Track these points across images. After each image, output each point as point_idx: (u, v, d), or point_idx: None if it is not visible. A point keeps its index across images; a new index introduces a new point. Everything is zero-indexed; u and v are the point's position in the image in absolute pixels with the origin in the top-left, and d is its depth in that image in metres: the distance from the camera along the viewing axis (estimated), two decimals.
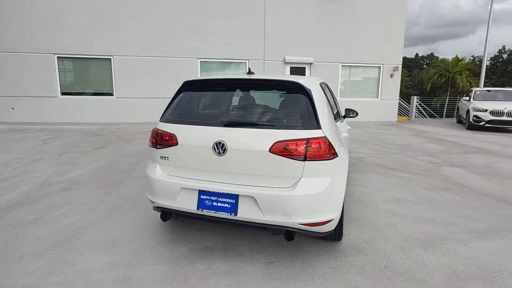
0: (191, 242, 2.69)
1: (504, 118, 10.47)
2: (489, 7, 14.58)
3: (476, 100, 11.65)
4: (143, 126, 10.49)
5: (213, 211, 2.27)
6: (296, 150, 2.15)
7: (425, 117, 15.79)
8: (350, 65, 13.10)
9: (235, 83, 2.62)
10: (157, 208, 2.58)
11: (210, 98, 2.63)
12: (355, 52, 12.82)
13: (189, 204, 2.35)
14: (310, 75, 12.59)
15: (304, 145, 2.15)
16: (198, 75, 11.90)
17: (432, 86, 21.79)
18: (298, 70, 12.72)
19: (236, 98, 2.64)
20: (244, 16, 11.91)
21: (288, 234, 2.21)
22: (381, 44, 12.90)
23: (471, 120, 11.18)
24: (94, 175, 4.68)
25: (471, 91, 12.79)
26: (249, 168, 2.23)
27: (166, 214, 2.52)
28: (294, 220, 2.14)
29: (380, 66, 13.22)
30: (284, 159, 2.16)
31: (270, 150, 2.17)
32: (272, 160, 2.18)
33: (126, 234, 2.85)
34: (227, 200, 2.25)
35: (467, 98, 12.46)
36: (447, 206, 3.60)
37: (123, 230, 2.92)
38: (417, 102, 15.35)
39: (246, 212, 2.20)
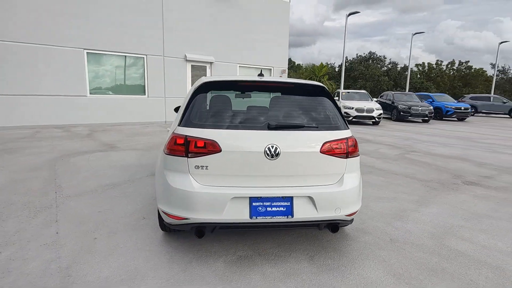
0: (220, 256, 2.50)
1: (364, 114, 13.47)
2: (344, 23, 18.28)
3: (344, 100, 14.51)
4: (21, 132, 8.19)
5: (269, 217, 2.22)
6: (341, 148, 2.36)
7: None
8: (247, 66, 13.88)
9: (262, 85, 2.57)
10: (184, 226, 2.29)
11: (238, 101, 2.50)
12: (250, 54, 13.69)
13: (239, 214, 2.21)
14: (211, 75, 12.68)
15: (345, 144, 2.38)
16: (86, 69, 10.16)
17: None
18: (199, 69, 12.58)
19: (262, 100, 2.60)
20: (141, 7, 10.85)
21: (335, 227, 2.40)
22: (271, 48, 14.25)
23: None
24: None
25: (338, 92, 15.81)
26: (302, 169, 2.29)
27: (203, 229, 2.27)
28: (343, 213, 2.36)
29: (271, 69, 14.57)
30: (332, 158, 2.34)
31: (320, 151, 2.31)
32: (323, 160, 2.32)
33: (141, 266, 2.37)
34: (282, 203, 2.25)
35: (337, 98, 15.31)
36: (383, 186, 4.55)
37: (132, 262, 2.41)
38: None
39: (302, 213, 2.27)
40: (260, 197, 2.22)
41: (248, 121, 2.34)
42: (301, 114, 2.44)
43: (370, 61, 36.02)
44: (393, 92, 17.14)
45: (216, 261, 2.42)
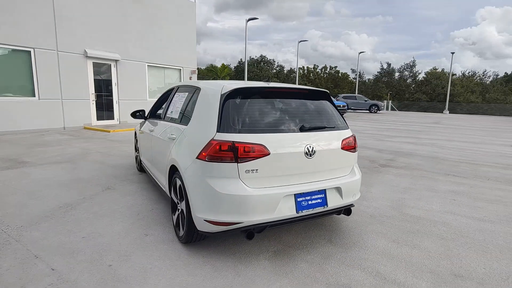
0: (257, 254, 2.60)
1: None
2: (245, 27, 19.33)
3: None
4: None
5: (311, 209, 2.48)
6: (351, 144, 2.82)
7: None
8: (157, 66, 13.13)
9: (283, 91, 2.75)
10: (233, 231, 2.33)
11: (267, 105, 2.61)
12: (159, 53, 13.01)
13: (288, 211, 2.38)
14: (117, 74, 11.51)
15: (353, 140, 2.85)
16: None
17: None
18: (102, 67, 11.20)
19: (285, 104, 2.75)
20: None
21: (349, 210, 2.84)
22: (180, 48, 13.89)
23: None
24: None
25: None
26: (330, 164, 2.63)
27: (253, 231, 2.34)
28: (356, 198, 2.83)
29: (180, 69, 14.20)
30: (347, 153, 2.77)
31: (341, 147, 2.70)
32: (342, 155, 2.72)
33: (192, 281, 2.24)
34: (319, 196, 2.54)
35: None
36: None
37: (179, 279, 2.25)
38: None
39: (332, 201, 2.62)
40: (303, 192, 2.46)
41: (284, 125, 2.52)
42: (319, 116, 2.78)
43: (262, 64, 39.23)
44: None
45: (259, 260, 2.52)
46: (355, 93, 33.39)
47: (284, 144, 2.41)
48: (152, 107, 4.54)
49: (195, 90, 3.00)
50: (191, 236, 2.57)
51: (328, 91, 2.99)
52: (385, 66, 42.80)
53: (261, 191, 2.31)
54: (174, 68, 13.97)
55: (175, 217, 2.88)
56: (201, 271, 2.34)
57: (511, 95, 36.95)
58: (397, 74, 42.20)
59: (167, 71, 13.79)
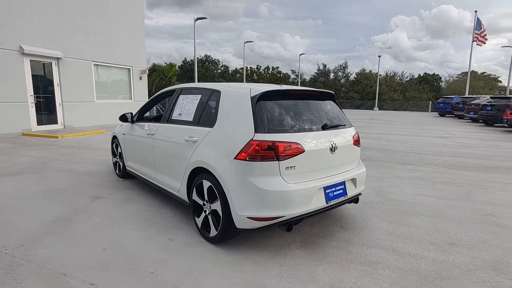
0: (287, 246, 2.79)
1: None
2: (193, 24, 18.95)
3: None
4: None
5: (336, 199, 2.76)
6: (358, 140, 3.18)
7: None
8: (103, 65, 12.21)
9: (302, 93, 2.96)
10: (274, 225, 2.49)
11: (292, 107, 2.79)
12: (107, 52, 12.14)
13: (320, 202, 2.63)
14: (59, 74, 10.46)
15: (358, 136, 3.22)
16: None
17: (156, 88, 24.35)
18: (41, 66, 10.03)
19: (303, 105, 2.95)
20: None
21: (358, 199, 3.20)
22: (129, 46, 13.14)
23: None
24: None
25: None
26: (346, 158, 2.94)
27: (291, 223, 2.53)
28: (363, 187, 3.21)
29: (129, 68, 13.43)
30: (356, 147, 3.12)
31: (353, 143, 3.04)
32: (354, 149, 3.06)
33: (249, 278, 2.32)
34: (340, 187, 2.83)
35: None
36: None
37: (228, 282, 2.31)
38: None
39: (350, 191, 2.94)
40: (330, 185, 2.72)
41: (310, 124, 2.75)
42: (333, 115, 3.07)
43: (207, 63, 38.70)
44: None
45: (292, 250, 2.72)
46: None
47: (314, 141, 2.65)
48: (140, 110, 4.36)
49: (212, 93, 3.05)
50: (226, 235, 2.65)
51: (333, 93, 3.30)
52: (321, 67, 46.00)
53: (299, 185, 2.51)
54: (123, 68, 13.15)
55: (200, 219, 2.91)
56: (246, 267, 2.45)
57: (424, 93, 42.78)
58: (332, 74, 45.67)
59: (116, 71, 12.91)
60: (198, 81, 36.28)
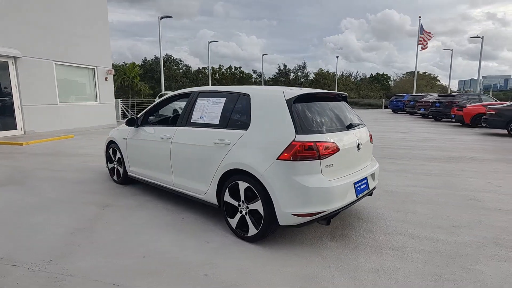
0: (321, 239, 2.97)
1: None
2: (158, 23, 18.33)
3: (177, 101, 14.98)
4: None
5: (362, 193, 3.00)
6: (371, 138, 3.47)
7: None
8: (66, 65, 11.38)
9: (325, 96, 3.14)
10: (315, 220, 2.66)
11: (321, 108, 2.97)
12: (69, 51, 11.35)
13: (352, 196, 2.85)
14: (17, 74, 9.59)
15: (371, 134, 3.52)
16: None
17: (118, 89, 22.81)
18: None
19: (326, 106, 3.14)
20: None
21: (372, 193, 3.49)
22: (93, 45, 12.41)
23: None
24: None
25: (167, 94, 16.01)
26: (366, 155, 3.21)
27: (330, 217, 2.72)
28: (377, 181, 3.51)
29: (94, 68, 12.67)
30: (371, 144, 3.41)
31: (370, 140, 3.32)
32: (370, 146, 3.34)
33: (312, 272, 2.44)
34: (364, 181, 3.08)
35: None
36: None
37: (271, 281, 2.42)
38: (121, 104, 16.21)
39: (371, 185, 3.21)
40: (358, 180, 2.96)
41: (338, 124, 2.96)
42: (351, 115, 3.32)
43: (169, 63, 37.41)
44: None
45: (326, 242, 2.91)
46: None
47: (345, 140, 2.87)
48: (145, 114, 4.25)
49: (239, 97, 3.12)
50: (267, 233, 2.76)
51: (347, 94, 3.56)
52: (281, 67, 47.14)
53: (338, 182, 2.71)
54: (87, 68, 12.36)
55: (234, 220, 2.97)
56: (291, 262, 2.59)
57: (376, 92, 45.97)
58: (292, 74, 47.04)
59: (79, 71, 12.10)
60: (159, 82, 35.15)
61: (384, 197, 4.24)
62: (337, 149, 2.74)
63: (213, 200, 3.17)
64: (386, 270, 2.46)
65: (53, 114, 10.82)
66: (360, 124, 3.32)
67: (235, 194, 2.95)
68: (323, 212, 2.62)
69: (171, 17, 18.32)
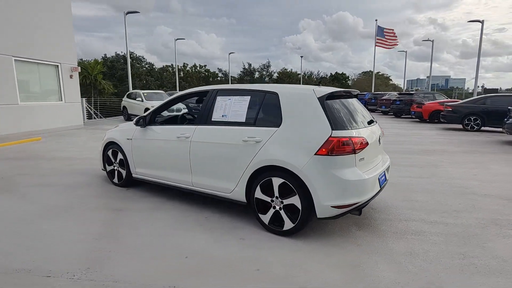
0: (347, 227, 3.15)
1: (174, 113, 14.27)
2: (124, 19, 17.40)
3: (149, 101, 14.46)
4: None
5: (382, 184, 3.23)
6: (383, 132, 3.73)
7: (100, 117, 16.06)
8: (27, 61, 10.43)
9: (347, 94, 3.31)
10: (349, 211, 2.83)
11: (345, 105, 3.12)
12: (30, 46, 10.41)
13: (377, 188, 3.05)
14: None
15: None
16: None
17: (81, 87, 21.11)
18: None
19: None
20: None
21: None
22: (56, 40, 11.51)
23: None
24: None
25: (136, 93, 15.36)
26: (382, 149, 3.44)
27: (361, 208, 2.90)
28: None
29: (58, 65, 11.77)
30: (382, 139, 3.67)
31: (382, 134, 3.56)
32: (382, 141, 3.59)
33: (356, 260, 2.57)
34: (383, 174, 3.31)
35: (137, 98, 14.81)
36: None
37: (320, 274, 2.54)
38: (86, 103, 15.19)
39: (387, 176, 3.45)
40: (380, 172, 3.17)
41: (362, 120, 3.15)
42: (366, 112, 3.53)
43: (131, 60, 35.32)
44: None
45: (354, 233, 3.09)
46: None
47: (370, 135, 3.07)
48: (153, 113, 4.11)
49: (265, 95, 3.18)
50: (303, 226, 2.87)
51: (358, 91, 3.77)
52: (246, 66, 47.37)
53: (368, 174, 2.89)
54: (50, 64, 11.43)
55: (267, 216, 3.03)
56: (331, 251, 2.72)
57: None
58: (257, 73, 47.46)
59: (42, 68, 11.15)
60: (123, 81, 33.40)
61: (387, 188, 4.55)
62: (367, 144, 2.93)
63: (241, 197, 3.20)
64: (418, 253, 2.70)
65: (14, 115, 9.86)
66: (375, 120, 3.55)
67: (267, 190, 3.01)
68: (357, 203, 2.79)
69: (138, 12, 17.50)
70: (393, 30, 30.57)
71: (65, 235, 3.01)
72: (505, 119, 9.12)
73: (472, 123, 11.73)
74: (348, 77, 55.69)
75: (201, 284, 2.24)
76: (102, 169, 4.82)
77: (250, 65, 47.25)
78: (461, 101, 13.22)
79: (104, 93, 22.89)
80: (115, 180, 4.56)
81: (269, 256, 2.64)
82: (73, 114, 12.42)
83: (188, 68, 43.95)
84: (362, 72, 61.32)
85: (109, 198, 4.05)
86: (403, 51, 33.53)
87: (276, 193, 2.95)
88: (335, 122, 2.81)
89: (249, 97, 3.30)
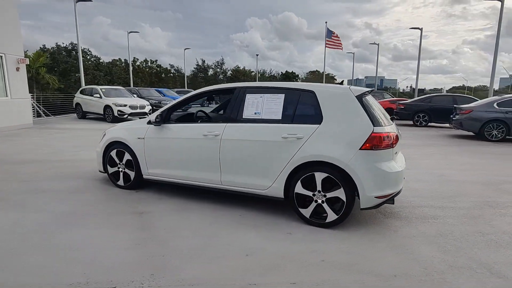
0: (381, 218, 3.41)
1: (138, 110, 13.49)
2: (74, 7, 15.78)
3: (108, 97, 13.42)
4: None
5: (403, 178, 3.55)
6: None
7: (49, 115, 14.34)
8: None
9: (368, 92, 3.54)
10: (386, 201, 3.09)
11: (372, 103, 3.35)
12: None
13: (404, 179, 3.37)
14: None
15: None
16: None
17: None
18: None
19: None
20: None
21: None
22: None
23: (116, 114, 12.89)
24: None
25: (93, 89, 14.13)
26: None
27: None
28: None
29: (1, 56, 10.35)
30: None
31: None
32: None
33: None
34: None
35: (95, 95, 13.64)
36: None
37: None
38: (33, 100, 13.50)
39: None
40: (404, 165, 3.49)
41: (387, 117, 3.42)
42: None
43: (75, 53, 31.91)
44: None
45: (383, 220, 3.36)
46: (185, 88, 34.50)
47: (396, 131, 3.36)
48: (169, 111, 3.91)
49: (301, 93, 3.27)
50: (345, 217, 3.06)
51: (374, 89, 4.06)
52: (200, 62, 46.41)
53: (401, 167, 3.18)
54: None
55: (309, 210, 3.14)
56: (378, 238, 2.95)
57: None
58: (211, 70, 46.81)
59: None
60: (68, 75, 30.29)
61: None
62: (398, 139, 3.21)
63: (279, 193, 3.27)
64: (446, 234, 3.06)
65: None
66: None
67: (308, 185, 3.12)
68: (394, 192, 3.07)
69: (91, 0, 15.98)
70: (337, 34, 32.69)
71: (100, 243, 2.77)
72: (452, 116, 10.48)
73: (421, 119, 13.19)
74: (298, 76, 57.94)
75: (282, 279, 2.29)
76: (101, 171, 4.45)
77: (203, 61, 46.39)
78: (410, 100, 14.76)
79: (47, 88, 20.53)
80: (120, 182, 4.25)
81: (325, 246, 2.77)
82: (21, 112, 11.04)
83: (138, 63, 41.53)
84: (309, 72, 64.32)
85: (121, 202, 3.78)
86: (352, 52, 35.98)
87: (319, 187, 3.09)
88: (374, 119, 3.03)
89: (283, 95, 3.37)
